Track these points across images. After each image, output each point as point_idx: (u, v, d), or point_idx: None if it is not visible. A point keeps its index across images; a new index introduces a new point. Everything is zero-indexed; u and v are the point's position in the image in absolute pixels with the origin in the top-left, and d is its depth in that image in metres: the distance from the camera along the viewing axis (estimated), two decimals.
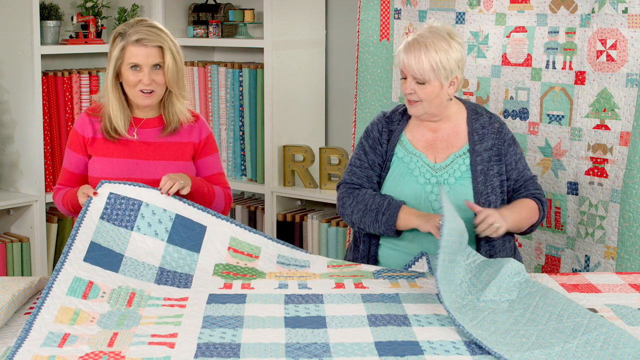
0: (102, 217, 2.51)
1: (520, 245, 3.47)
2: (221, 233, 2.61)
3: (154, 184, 2.75)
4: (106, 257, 2.44)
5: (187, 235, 2.56)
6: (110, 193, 2.56)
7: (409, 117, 2.83)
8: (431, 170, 2.75)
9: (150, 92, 2.74)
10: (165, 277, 2.46)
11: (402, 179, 2.76)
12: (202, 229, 2.59)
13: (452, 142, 2.78)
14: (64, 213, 2.87)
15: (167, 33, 2.76)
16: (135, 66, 2.71)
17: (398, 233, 2.72)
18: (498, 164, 2.75)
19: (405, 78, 2.70)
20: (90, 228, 2.48)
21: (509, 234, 2.76)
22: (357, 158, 2.84)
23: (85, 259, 2.40)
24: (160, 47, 2.72)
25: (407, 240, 2.75)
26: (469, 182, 2.72)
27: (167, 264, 2.49)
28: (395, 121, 2.84)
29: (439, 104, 2.72)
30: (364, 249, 2.83)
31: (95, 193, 2.56)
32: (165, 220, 2.56)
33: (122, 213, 2.53)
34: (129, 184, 2.59)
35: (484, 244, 2.71)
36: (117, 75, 2.75)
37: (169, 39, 2.75)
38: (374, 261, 2.81)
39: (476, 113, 2.81)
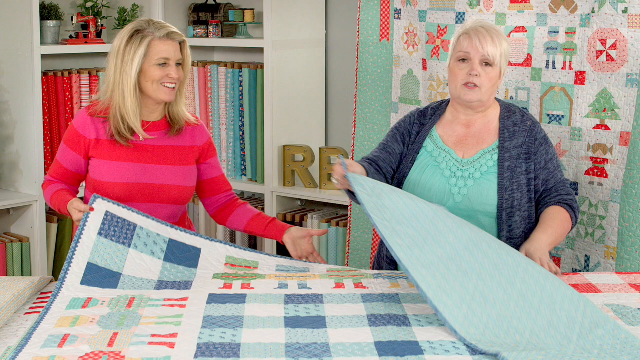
0: (100, 233, 2.51)
1: None
2: (216, 253, 2.64)
3: (159, 189, 2.75)
4: (104, 278, 2.44)
5: (182, 256, 2.58)
6: (107, 211, 2.56)
7: (442, 112, 2.87)
8: (458, 165, 2.77)
9: (174, 86, 2.73)
10: (164, 285, 2.46)
11: (427, 170, 2.79)
12: (196, 250, 2.61)
13: (483, 138, 2.80)
14: (49, 205, 2.86)
15: None
16: (164, 62, 2.69)
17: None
18: (527, 162, 2.76)
19: (463, 60, 2.74)
20: (87, 246, 2.48)
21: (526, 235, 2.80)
22: (382, 142, 2.91)
23: (82, 282, 2.41)
24: (182, 42, 2.74)
25: None
26: (495, 178, 2.73)
27: (166, 277, 2.51)
28: (428, 115, 2.89)
29: (492, 92, 2.78)
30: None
31: (92, 209, 2.54)
32: (159, 242, 2.58)
33: (119, 231, 2.54)
34: (124, 207, 2.59)
35: (506, 241, 2.74)
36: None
37: None
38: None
39: (509, 111, 2.84)
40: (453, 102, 2.85)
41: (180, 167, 2.79)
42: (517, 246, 2.74)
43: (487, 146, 2.79)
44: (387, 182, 2.85)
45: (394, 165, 2.87)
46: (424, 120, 2.89)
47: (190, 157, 2.83)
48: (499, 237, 2.74)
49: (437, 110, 2.89)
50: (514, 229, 2.74)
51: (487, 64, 2.73)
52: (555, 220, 2.70)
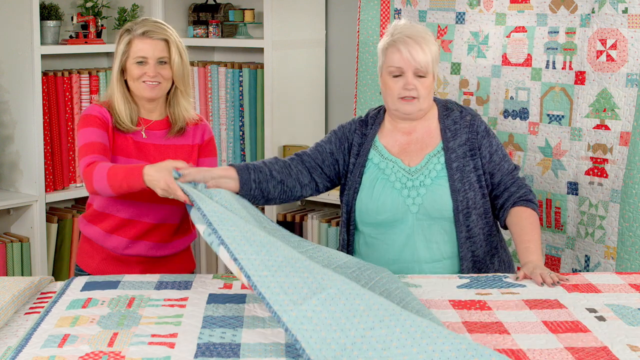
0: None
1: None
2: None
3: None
4: (104, 285, 2.46)
5: None
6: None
7: (381, 121, 2.81)
8: (407, 175, 2.71)
9: (156, 84, 2.74)
10: (164, 285, 2.46)
11: (377, 184, 2.73)
12: None
13: (426, 142, 2.75)
14: (99, 189, 2.60)
15: (172, 29, 2.79)
16: (141, 61, 2.71)
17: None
18: (473, 158, 2.72)
19: (398, 76, 2.66)
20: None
21: (492, 231, 2.77)
22: (321, 141, 2.84)
23: (83, 290, 2.42)
24: (166, 41, 2.74)
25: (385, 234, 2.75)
26: (445, 181, 2.69)
27: (166, 279, 2.51)
28: (368, 125, 2.82)
29: (430, 98, 2.72)
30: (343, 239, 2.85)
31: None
32: None
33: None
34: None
35: (464, 241, 2.70)
36: (123, 71, 2.76)
37: (174, 34, 2.78)
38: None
39: (447, 109, 2.78)
40: (390, 113, 2.77)
41: None
42: (477, 245, 2.72)
43: (431, 150, 2.74)
44: (310, 177, 2.78)
45: (319, 161, 2.79)
46: (365, 130, 2.81)
47: (193, 155, 2.84)
48: (458, 238, 2.70)
49: (376, 119, 2.82)
50: (472, 227, 2.70)
51: (420, 75, 2.65)
52: (529, 232, 2.67)
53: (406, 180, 2.71)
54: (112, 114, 2.77)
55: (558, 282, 2.47)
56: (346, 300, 1.97)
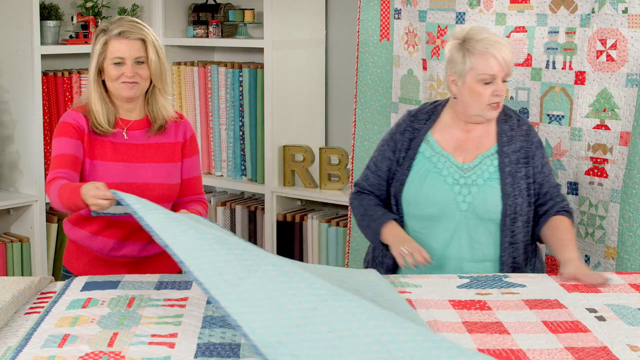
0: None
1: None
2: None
3: (143, 187, 2.74)
4: (104, 284, 2.45)
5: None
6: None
7: (436, 117, 2.82)
8: (459, 171, 2.73)
9: (134, 83, 2.73)
10: (164, 285, 2.46)
11: (428, 177, 2.74)
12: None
13: (482, 142, 2.77)
14: (57, 207, 2.67)
15: (149, 28, 2.78)
16: (118, 62, 2.70)
17: (385, 245, 2.75)
18: (525, 166, 2.75)
19: (489, 83, 2.67)
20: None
21: (529, 240, 2.78)
22: (374, 162, 2.87)
23: (82, 290, 2.42)
24: (143, 40, 2.73)
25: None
26: (497, 184, 2.71)
27: (166, 279, 2.51)
28: (421, 120, 2.83)
29: None
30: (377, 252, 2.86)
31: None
32: None
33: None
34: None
35: (507, 246, 2.72)
36: (100, 72, 2.74)
37: (150, 33, 2.77)
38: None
39: (505, 114, 2.81)
40: (458, 112, 2.77)
41: (164, 164, 2.80)
42: (519, 251, 2.74)
43: (485, 150, 2.76)
44: (385, 201, 2.84)
45: (384, 187, 2.84)
46: (417, 124, 2.83)
47: (176, 153, 2.83)
48: (502, 243, 2.72)
49: (432, 115, 2.83)
50: (517, 234, 2.72)
51: (505, 80, 2.70)
52: (569, 233, 2.71)
53: (459, 177, 2.73)
54: (88, 117, 2.75)
55: (606, 281, 2.49)
56: (284, 278, 1.91)
